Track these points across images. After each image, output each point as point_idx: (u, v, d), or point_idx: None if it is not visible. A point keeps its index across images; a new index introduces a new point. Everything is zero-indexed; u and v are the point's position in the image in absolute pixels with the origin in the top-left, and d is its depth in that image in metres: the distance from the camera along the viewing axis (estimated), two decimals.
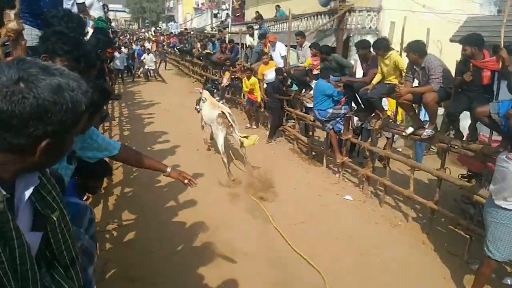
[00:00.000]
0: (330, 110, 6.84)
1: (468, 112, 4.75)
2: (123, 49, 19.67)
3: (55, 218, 1.20)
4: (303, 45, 8.71)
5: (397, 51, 5.90)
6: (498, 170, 3.31)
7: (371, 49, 6.12)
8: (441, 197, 5.14)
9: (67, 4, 4.21)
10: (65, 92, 0.96)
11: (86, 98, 1.01)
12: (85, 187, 3.06)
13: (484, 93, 4.54)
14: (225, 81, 12.20)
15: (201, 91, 7.88)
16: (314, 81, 7.58)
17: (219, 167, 6.94)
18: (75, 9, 4.51)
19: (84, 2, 4.86)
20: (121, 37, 27.56)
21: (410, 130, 5.37)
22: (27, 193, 1.08)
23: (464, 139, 4.88)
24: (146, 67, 18.87)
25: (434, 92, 4.89)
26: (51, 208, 1.19)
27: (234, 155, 7.30)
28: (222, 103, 8.28)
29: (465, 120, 5.12)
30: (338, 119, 6.93)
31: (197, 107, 7.85)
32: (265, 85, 9.71)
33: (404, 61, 5.66)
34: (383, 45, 5.75)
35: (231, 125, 6.68)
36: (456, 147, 4.67)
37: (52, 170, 1.29)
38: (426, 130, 5.08)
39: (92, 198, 4.90)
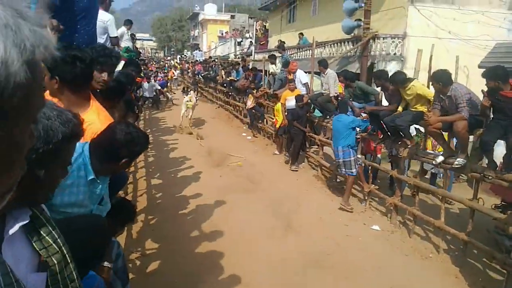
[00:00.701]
0: (353, 158, 6.72)
1: (501, 141, 4.58)
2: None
3: (55, 261, 1.12)
4: (326, 72, 8.74)
5: (417, 79, 5.83)
6: None
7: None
8: (473, 228, 4.91)
9: (101, 39, 4.34)
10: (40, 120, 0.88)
11: (65, 128, 0.94)
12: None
13: None
14: (249, 103, 12.36)
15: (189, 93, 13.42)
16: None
17: (244, 195, 6.89)
18: (108, 43, 4.66)
19: (117, 36, 5.03)
20: (148, 65, 28.40)
21: (440, 158, 5.20)
22: (11, 231, 1.02)
23: (497, 168, 4.69)
24: (146, 94, 17.40)
25: (464, 120, 4.75)
26: (51, 250, 1.11)
27: None
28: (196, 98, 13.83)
29: (498, 149, 4.94)
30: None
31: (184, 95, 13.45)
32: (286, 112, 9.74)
33: (428, 90, 5.57)
34: (399, 80, 5.75)
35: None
36: (490, 177, 4.48)
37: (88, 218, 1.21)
38: (458, 159, 4.91)
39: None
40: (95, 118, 2.19)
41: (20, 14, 0.45)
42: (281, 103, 9.78)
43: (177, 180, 7.78)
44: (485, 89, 4.65)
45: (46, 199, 1.10)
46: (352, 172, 6.74)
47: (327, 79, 8.47)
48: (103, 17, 4.38)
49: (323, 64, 8.60)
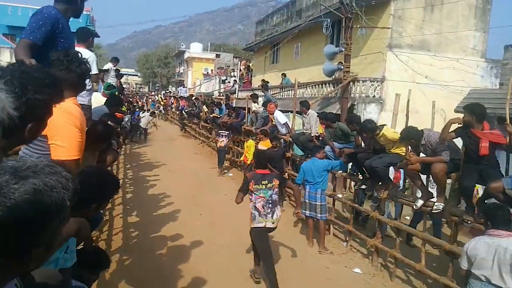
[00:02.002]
0: (325, 202, 6.82)
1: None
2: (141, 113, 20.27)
3: None
4: (307, 113, 8.89)
5: (387, 126, 6.00)
6: None
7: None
8: (455, 271, 4.87)
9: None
10: (44, 195, 0.84)
11: (68, 191, 0.89)
12: (79, 277, 2.73)
13: (490, 166, 4.48)
14: (223, 140, 12.63)
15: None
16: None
17: (223, 235, 6.74)
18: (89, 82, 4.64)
19: (97, 73, 5.02)
20: (134, 99, 28.54)
21: (420, 203, 5.23)
22: None
23: (475, 212, 4.73)
24: (143, 125, 19.12)
25: (443, 163, 4.83)
26: None
27: None
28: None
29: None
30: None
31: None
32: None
33: (398, 134, 5.68)
34: (368, 128, 5.97)
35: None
36: (469, 222, 4.51)
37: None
38: (436, 204, 4.95)
39: None
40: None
41: None
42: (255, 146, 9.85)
43: (155, 218, 7.57)
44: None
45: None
46: (325, 217, 6.83)
47: (309, 119, 8.60)
48: (83, 55, 4.38)
49: (304, 105, 8.76)
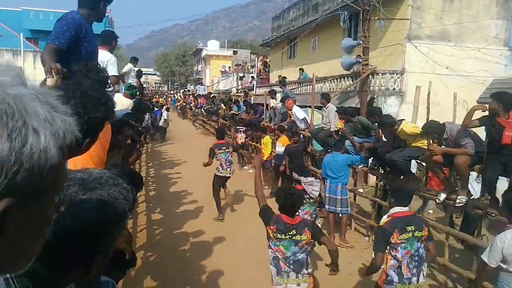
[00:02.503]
0: (347, 196, 6.83)
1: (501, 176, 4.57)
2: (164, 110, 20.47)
3: None
4: (326, 106, 8.85)
5: (406, 120, 5.93)
6: None
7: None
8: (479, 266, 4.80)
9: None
10: (109, 206, 0.90)
11: (129, 202, 0.95)
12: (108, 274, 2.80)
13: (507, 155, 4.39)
14: (241, 136, 12.75)
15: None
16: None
17: (243, 233, 6.81)
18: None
19: (117, 75, 5.14)
20: (153, 99, 28.96)
21: (443, 196, 5.16)
22: None
23: (500, 205, 4.64)
24: (160, 124, 18.93)
25: (467, 156, 4.75)
26: None
27: None
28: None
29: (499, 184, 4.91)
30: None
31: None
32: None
33: (418, 128, 5.59)
34: (386, 123, 5.90)
35: None
36: (493, 214, 4.44)
37: None
38: (459, 197, 4.88)
39: None
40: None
41: (54, 107, 0.55)
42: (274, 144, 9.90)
43: (178, 215, 7.71)
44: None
45: None
46: (347, 211, 6.78)
47: (328, 113, 8.57)
48: (103, 58, 4.49)
49: (325, 97, 8.73)
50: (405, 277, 3.49)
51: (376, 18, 11.40)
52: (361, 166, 7.42)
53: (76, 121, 0.58)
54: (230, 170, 8.06)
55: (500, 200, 4.77)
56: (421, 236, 3.53)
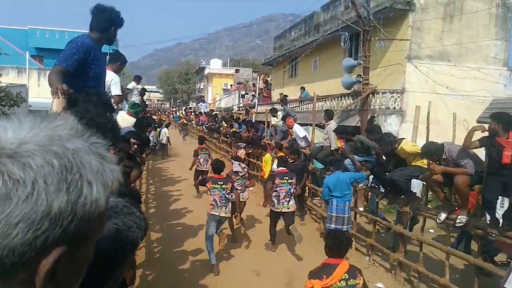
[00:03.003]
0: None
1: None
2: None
3: None
4: (328, 123, 8.93)
5: (406, 139, 5.98)
6: None
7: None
8: (480, 286, 4.76)
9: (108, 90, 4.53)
10: (123, 234, 0.92)
11: (142, 231, 0.97)
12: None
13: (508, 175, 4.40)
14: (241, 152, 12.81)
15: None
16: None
17: (244, 250, 6.77)
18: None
19: (120, 95, 5.22)
20: (156, 116, 29.14)
21: (443, 216, 5.16)
22: None
23: (500, 225, 4.63)
24: (162, 141, 19.03)
25: (466, 175, 4.77)
26: None
27: None
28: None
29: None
30: None
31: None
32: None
33: (418, 147, 5.63)
34: (386, 142, 5.95)
35: None
36: (493, 235, 4.42)
37: None
38: (459, 217, 4.88)
39: None
40: None
41: (103, 157, 0.57)
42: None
43: (177, 233, 7.68)
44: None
45: None
46: (351, 227, 6.80)
47: (327, 131, 8.64)
48: (106, 77, 4.59)
49: (328, 114, 8.84)
50: None
51: (376, 38, 11.57)
52: (362, 185, 7.42)
53: None
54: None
55: (500, 220, 4.77)
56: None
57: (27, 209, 0.49)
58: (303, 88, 18.04)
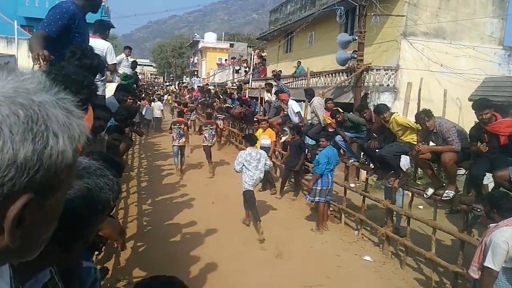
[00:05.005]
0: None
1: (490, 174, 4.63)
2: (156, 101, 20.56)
3: None
4: (311, 101, 8.96)
5: (397, 113, 6.01)
6: None
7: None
8: (465, 260, 4.88)
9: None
10: (94, 194, 0.95)
11: (114, 193, 0.99)
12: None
13: (505, 153, 4.43)
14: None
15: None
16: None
17: (235, 223, 6.86)
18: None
19: (115, 63, 5.12)
20: (149, 90, 28.80)
21: (430, 191, 5.23)
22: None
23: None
24: (155, 115, 19.31)
25: (452, 152, 4.81)
26: None
27: None
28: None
29: (487, 181, 4.98)
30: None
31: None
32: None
33: (410, 120, 5.68)
34: (379, 109, 5.98)
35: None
36: (478, 209, 4.50)
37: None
38: (446, 192, 4.95)
39: (104, 253, 4.84)
40: None
41: (70, 112, 0.59)
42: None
43: (169, 207, 7.74)
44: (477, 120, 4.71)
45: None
46: (332, 199, 7.24)
47: (313, 108, 8.69)
48: (101, 46, 4.48)
49: (308, 92, 8.87)
50: None
51: (372, 14, 11.41)
52: (352, 161, 7.48)
53: None
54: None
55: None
56: None
57: None
58: (299, 62, 17.87)
